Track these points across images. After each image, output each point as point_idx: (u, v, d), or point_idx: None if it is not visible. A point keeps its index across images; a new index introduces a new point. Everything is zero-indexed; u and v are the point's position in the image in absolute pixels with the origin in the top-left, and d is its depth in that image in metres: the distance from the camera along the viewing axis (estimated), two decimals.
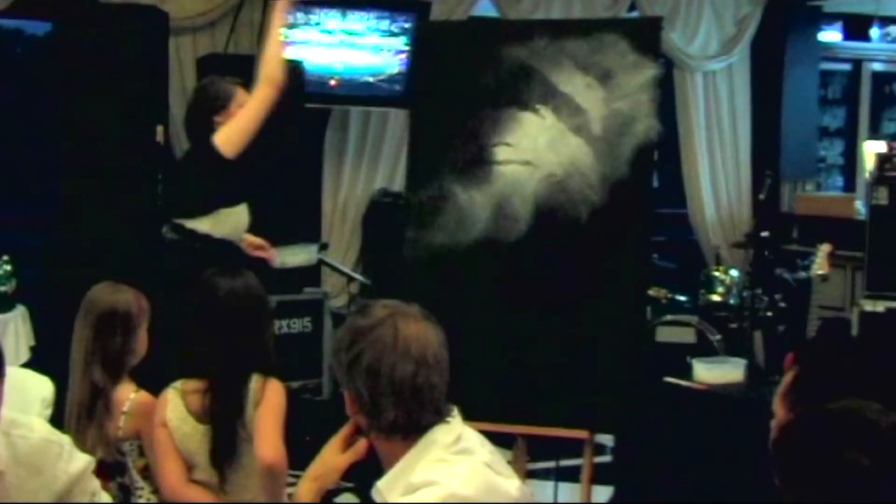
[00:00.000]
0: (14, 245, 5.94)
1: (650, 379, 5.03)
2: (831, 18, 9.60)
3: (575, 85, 4.67)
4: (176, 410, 3.42)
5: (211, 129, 4.69)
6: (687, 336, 6.77)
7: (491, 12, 7.75)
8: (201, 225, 4.66)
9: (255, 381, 3.41)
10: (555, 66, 4.71)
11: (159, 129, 6.10)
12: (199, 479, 3.43)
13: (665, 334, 6.81)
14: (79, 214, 5.95)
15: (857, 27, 9.88)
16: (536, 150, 4.72)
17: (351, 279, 6.54)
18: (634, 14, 8.09)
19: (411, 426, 2.29)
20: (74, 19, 6.17)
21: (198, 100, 4.85)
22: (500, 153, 4.76)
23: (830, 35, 9.67)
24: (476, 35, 4.96)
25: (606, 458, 5.91)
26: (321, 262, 6.97)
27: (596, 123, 4.66)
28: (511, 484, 2.31)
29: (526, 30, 4.86)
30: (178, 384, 3.47)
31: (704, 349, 6.52)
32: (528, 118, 4.75)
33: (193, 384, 3.45)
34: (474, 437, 2.37)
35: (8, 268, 5.65)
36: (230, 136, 4.59)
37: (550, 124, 4.72)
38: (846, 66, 10.08)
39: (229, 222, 4.71)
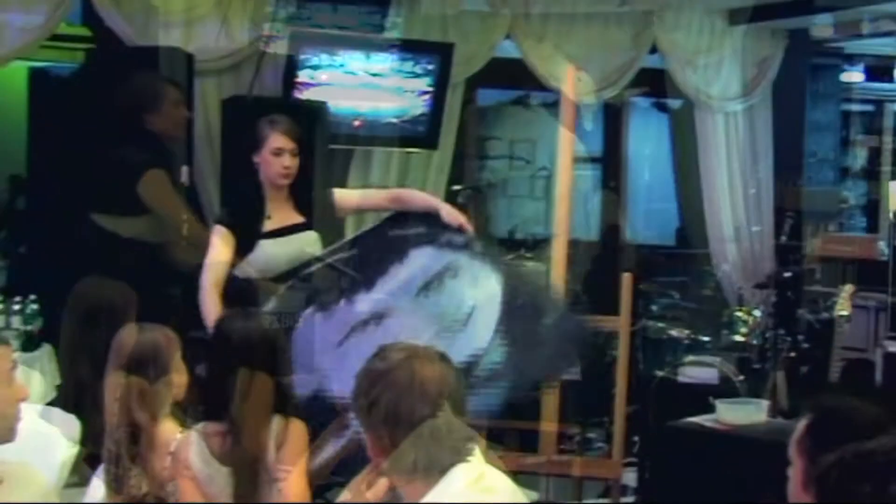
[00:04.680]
0: (42, 286, 5.96)
1: (673, 419, 5.02)
2: (853, 59, 9.62)
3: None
4: (199, 453, 3.43)
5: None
6: (709, 376, 6.75)
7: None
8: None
9: (276, 422, 3.43)
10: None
11: (185, 170, 6.13)
12: None
13: (688, 374, 6.79)
14: (105, 252, 5.98)
15: (879, 68, 9.89)
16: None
17: None
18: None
19: (431, 467, 2.30)
20: (101, 61, 6.24)
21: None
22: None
23: (852, 76, 9.68)
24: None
25: (630, 500, 5.90)
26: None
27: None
28: None
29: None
30: (200, 426, 3.49)
31: (727, 390, 6.50)
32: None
33: (214, 427, 3.46)
34: (498, 476, 2.38)
35: (34, 307, 5.69)
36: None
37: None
38: (868, 107, 10.08)
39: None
